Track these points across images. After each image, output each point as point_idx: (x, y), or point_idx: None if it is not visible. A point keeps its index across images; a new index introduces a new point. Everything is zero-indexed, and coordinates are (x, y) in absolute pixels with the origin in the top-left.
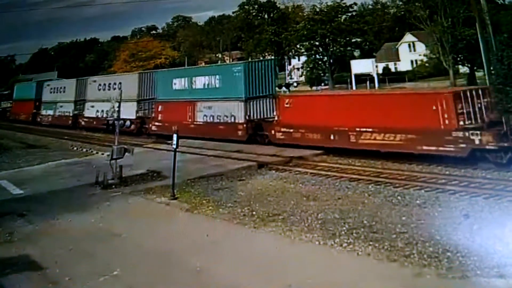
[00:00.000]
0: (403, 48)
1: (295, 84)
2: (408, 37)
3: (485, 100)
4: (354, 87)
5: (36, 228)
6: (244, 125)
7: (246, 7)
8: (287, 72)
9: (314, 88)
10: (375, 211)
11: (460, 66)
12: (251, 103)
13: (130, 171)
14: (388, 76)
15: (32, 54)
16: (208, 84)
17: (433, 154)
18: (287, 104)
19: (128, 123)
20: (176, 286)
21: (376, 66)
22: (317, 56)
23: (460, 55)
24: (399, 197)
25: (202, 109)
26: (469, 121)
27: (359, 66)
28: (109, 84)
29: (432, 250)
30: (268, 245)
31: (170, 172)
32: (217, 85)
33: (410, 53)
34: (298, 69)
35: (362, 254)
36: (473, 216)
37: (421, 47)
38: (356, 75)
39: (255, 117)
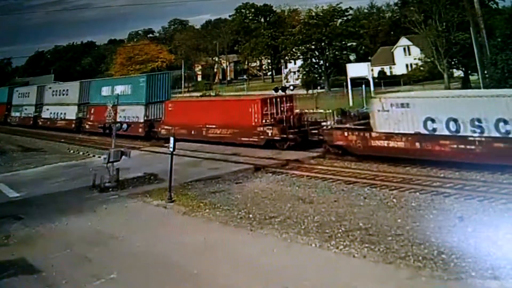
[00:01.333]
0: (398, 52)
1: (291, 87)
2: (403, 41)
3: (288, 104)
4: (350, 91)
5: (32, 231)
6: (143, 124)
7: (242, 10)
8: (283, 75)
9: (310, 91)
10: (371, 214)
11: (454, 70)
12: (150, 107)
13: (127, 174)
14: (383, 80)
15: (28, 57)
16: (123, 91)
17: (246, 143)
18: (170, 107)
19: (125, 126)
20: None
21: (372, 70)
22: (313, 60)
23: (454, 59)
24: (394, 200)
25: (119, 112)
26: (270, 120)
27: (355, 69)
28: (60, 90)
29: (427, 252)
30: (265, 248)
31: (167, 175)
32: (129, 92)
33: (405, 57)
34: (294, 72)
35: (358, 256)
36: (467, 219)
37: (416, 51)
38: (352, 79)
39: (152, 118)
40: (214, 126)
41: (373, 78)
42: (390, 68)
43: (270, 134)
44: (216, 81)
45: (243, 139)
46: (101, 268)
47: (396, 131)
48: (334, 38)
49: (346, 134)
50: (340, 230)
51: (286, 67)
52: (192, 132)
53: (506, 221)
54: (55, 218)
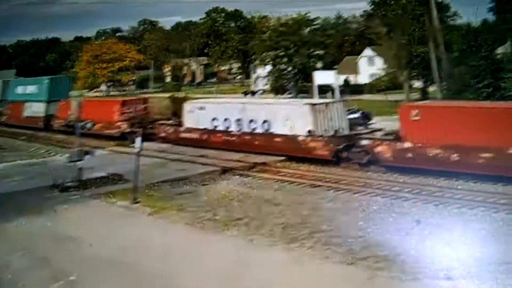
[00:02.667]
0: (362, 62)
1: (260, 91)
2: (368, 52)
3: (142, 106)
4: (317, 97)
5: None
6: (43, 119)
7: (213, 14)
8: (252, 80)
9: (278, 96)
10: (334, 216)
11: (415, 81)
12: (50, 104)
13: (91, 174)
14: (348, 88)
15: None
16: (32, 91)
17: (108, 134)
18: (62, 105)
19: (89, 125)
20: None
21: (337, 78)
22: (282, 66)
23: (415, 71)
24: (356, 203)
25: (27, 107)
26: (125, 117)
27: (322, 77)
28: None
29: (387, 253)
30: (230, 250)
31: (132, 176)
32: (35, 91)
33: (369, 66)
34: (263, 77)
35: (320, 257)
36: (424, 222)
37: (379, 62)
38: (319, 86)
39: (50, 113)
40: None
41: (339, 86)
42: (355, 77)
43: (121, 128)
44: (185, 82)
45: (106, 131)
46: (60, 270)
47: (195, 127)
48: (302, 46)
49: (166, 128)
50: (305, 232)
51: (255, 72)
52: (69, 124)
53: (460, 224)
54: (13, 218)
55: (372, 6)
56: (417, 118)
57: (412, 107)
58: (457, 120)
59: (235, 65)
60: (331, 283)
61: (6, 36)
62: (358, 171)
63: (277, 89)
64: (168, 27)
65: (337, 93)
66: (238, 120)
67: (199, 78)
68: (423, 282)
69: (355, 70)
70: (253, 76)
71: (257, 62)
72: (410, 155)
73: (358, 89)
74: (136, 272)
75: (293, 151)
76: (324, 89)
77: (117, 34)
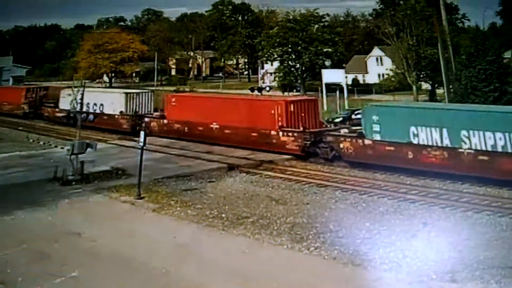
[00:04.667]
0: (371, 61)
1: (267, 88)
2: (376, 51)
3: (42, 92)
4: (324, 96)
5: None
6: None
7: (220, 7)
8: (260, 75)
9: (286, 93)
10: (341, 217)
11: (423, 83)
12: None
13: (93, 168)
14: (356, 87)
15: None
16: None
17: (15, 114)
18: None
19: (91, 116)
20: None
21: (346, 77)
22: (290, 63)
23: (423, 72)
24: (364, 204)
25: None
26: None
27: (330, 75)
28: None
29: (393, 255)
30: (236, 248)
31: (136, 170)
32: None
33: (378, 66)
34: (271, 73)
35: (328, 258)
36: (430, 224)
37: (388, 62)
38: (327, 84)
39: None
40: (6, 103)
41: (347, 85)
42: (364, 76)
43: (24, 109)
44: (191, 76)
45: (14, 112)
46: (61, 265)
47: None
48: (310, 43)
49: (48, 109)
50: (312, 232)
51: (262, 68)
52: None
53: (466, 227)
54: (12, 211)
55: (381, 5)
56: (174, 104)
57: (172, 96)
58: (190, 106)
59: (242, 60)
60: (337, 284)
61: (2, 21)
62: (364, 172)
63: (285, 86)
64: (173, 18)
65: (345, 92)
66: (94, 104)
67: (205, 72)
68: (428, 285)
69: (364, 69)
70: (261, 71)
71: (264, 58)
72: (165, 128)
73: (367, 88)
74: (139, 269)
75: (109, 126)
76: (332, 88)
77: (120, 24)
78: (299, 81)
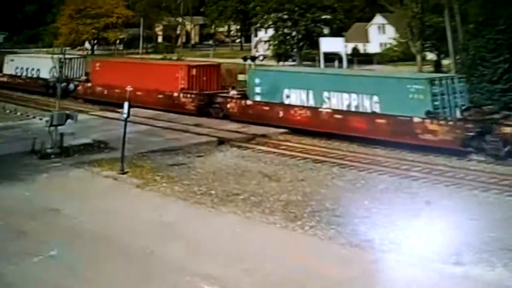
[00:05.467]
0: (373, 30)
1: (261, 57)
2: (378, 19)
3: None
4: (322, 66)
5: None
6: None
7: None
8: (253, 44)
9: (281, 63)
10: (339, 195)
11: (428, 53)
12: None
13: (73, 140)
14: (357, 57)
15: None
16: None
17: None
18: None
19: (71, 85)
20: (123, 270)
21: (345, 46)
22: (285, 31)
23: (428, 42)
24: (362, 181)
25: None
26: None
27: (328, 44)
28: None
29: (393, 236)
30: (226, 227)
31: (119, 144)
32: None
33: (380, 35)
34: (265, 42)
35: (324, 238)
36: (434, 203)
37: (391, 30)
38: (325, 54)
39: None
40: None
41: (347, 54)
42: (364, 45)
43: None
44: (179, 44)
45: None
46: (39, 243)
47: (8, 73)
48: (308, 10)
49: None
50: (307, 211)
51: (256, 36)
52: None
53: (471, 207)
54: None
55: None
56: (98, 68)
57: (96, 61)
58: (110, 70)
59: (234, 27)
60: (334, 265)
61: None
62: (364, 147)
63: (280, 56)
64: None
65: (344, 62)
66: (27, 68)
67: (194, 39)
68: (430, 267)
69: (365, 38)
70: (254, 39)
71: (258, 25)
72: (89, 91)
73: (368, 58)
74: (122, 249)
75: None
76: (331, 57)
77: None
78: (295, 50)
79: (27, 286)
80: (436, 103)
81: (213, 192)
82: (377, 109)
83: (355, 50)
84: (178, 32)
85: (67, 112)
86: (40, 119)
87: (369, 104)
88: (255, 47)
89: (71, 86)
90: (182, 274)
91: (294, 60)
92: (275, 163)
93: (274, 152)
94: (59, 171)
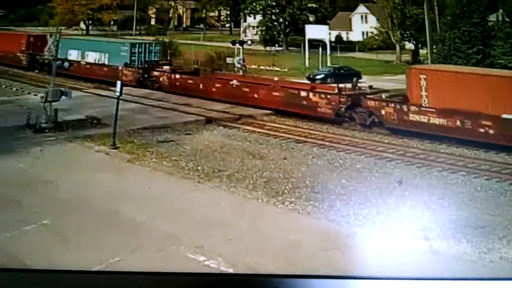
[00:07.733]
0: (355, 19)
1: (249, 42)
2: (361, 9)
3: None
4: (307, 52)
5: None
6: None
7: None
8: (242, 29)
9: (268, 48)
10: (318, 173)
11: (406, 43)
12: None
13: (67, 116)
14: (340, 45)
15: None
16: None
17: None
18: None
19: (66, 64)
20: (114, 238)
21: (329, 34)
22: (273, 17)
23: (407, 32)
24: (340, 161)
25: None
26: None
27: (314, 31)
28: None
29: (367, 212)
30: (211, 201)
31: (111, 120)
32: None
33: (362, 24)
34: (253, 27)
35: (302, 213)
36: (406, 183)
37: (372, 20)
38: (310, 40)
39: None
40: None
41: (330, 41)
42: (347, 33)
43: None
44: (171, 27)
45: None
46: (31, 212)
47: None
48: None
49: None
50: (287, 187)
51: (245, 21)
52: None
53: (441, 187)
54: None
55: None
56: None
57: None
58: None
59: (224, 12)
60: (311, 239)
61: None
62: (343, 130)
63: (267, 41)
64: None
65: (328, 49)
66: None
67: (185, 23)
68: (400, 241)
69: (348, 27)
70: (243, 25)
71: (247, 11)
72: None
73: (350, 46)
74: (113, 219)
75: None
76: (315, 44)
77: None
78: (281, 36)
79: (20, 251)
80: (133, 58)
81: (199, 168)
82: (106, 61)
83: (338, 37)
84: (170, 15)
85: (62, 88)
86: (35, 95)
87: (103, 59)
88: (244, 32)
89: (66, 64)
90: (168, 242)
91: (280, 46)
92: (259, 142)
93: (259, 132)
94: (53, 145)
